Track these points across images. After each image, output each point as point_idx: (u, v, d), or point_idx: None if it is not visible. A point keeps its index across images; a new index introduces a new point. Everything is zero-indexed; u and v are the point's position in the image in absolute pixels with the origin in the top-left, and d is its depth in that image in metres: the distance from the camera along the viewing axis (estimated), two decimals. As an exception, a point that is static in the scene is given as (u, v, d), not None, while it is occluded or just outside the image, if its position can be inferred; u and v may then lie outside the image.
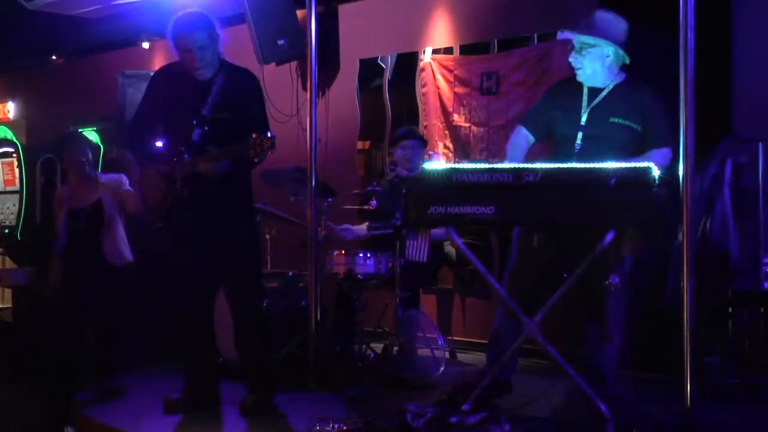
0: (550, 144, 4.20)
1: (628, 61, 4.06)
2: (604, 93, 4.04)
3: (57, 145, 5.53)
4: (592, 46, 4.00)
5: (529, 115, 4.28)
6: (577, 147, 3.95)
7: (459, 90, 6.26)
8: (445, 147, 6.31)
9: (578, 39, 4.03)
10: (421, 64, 6.50)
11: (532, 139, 4.16)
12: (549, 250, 3.96)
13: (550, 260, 3.98)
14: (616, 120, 3.99)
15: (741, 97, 4.91)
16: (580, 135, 3.97)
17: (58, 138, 5.88)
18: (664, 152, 3.95)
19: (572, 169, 3.58)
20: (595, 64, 4.01)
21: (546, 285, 3.94)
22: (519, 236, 4.13)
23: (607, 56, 4.02)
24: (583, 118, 4.00)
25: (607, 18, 4.04)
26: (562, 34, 5.71)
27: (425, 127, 6.45)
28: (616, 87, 4.05)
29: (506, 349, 3.93)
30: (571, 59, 4.07)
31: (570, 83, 4.18)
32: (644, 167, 3.47)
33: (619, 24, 4.03)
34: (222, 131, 4.01)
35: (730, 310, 4.49)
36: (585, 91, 4.06)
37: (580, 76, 4.06)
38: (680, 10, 3.62)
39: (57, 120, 8.36)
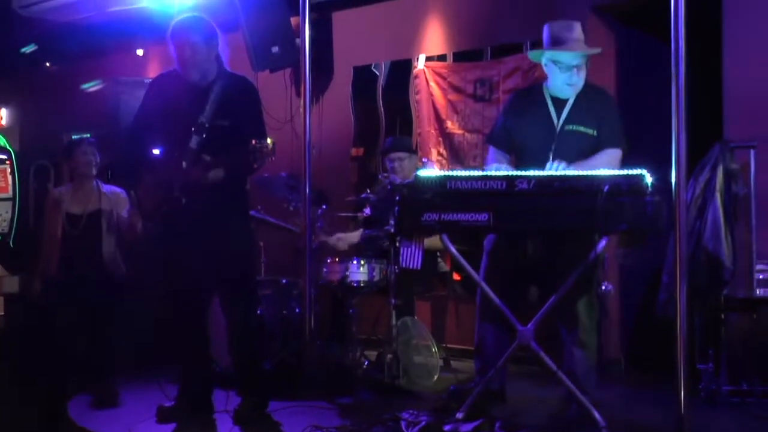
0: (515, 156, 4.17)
1: None
2: (570, 102, 4.02)
3: (63, 149, 5.48)
4: (583, 58, 3.99)
5: (495, 134, 4.23)
6: (551, 158, 3.91)
7: (452, 97, 6.27)
8: (439, 154, 6.31)
9: (576, 56, 3.97)
10: (414, 72, 6.51)
11: (507, 155, 4.14)
12: (540, 257, 3.96)
13: (545, 266, 3.97)
14: (572, 127, 3.98)
15: (732, 103, 4.92)
16: (553, 147, 3.95)
17: (66, 143, 5.84)
18: (613, 152, 3.96)
19: (565, 176, 3.59)
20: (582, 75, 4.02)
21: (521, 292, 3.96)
22: (489, 246, 4.09)
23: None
24: (557, 130, 3.99)
25: (578, 28, 4.04)
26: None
27: (419, 134, 6.46)
28: (578, 95, 4.05)
29: (491, 359, 3.93)
30: (568, 78, 3.98)
31: (530, 94, 4.15)
32: (637, 175, 3.49)
33: None
34: (220, 138, 4.00)
35: (722, 316, 4.50)
36: (549, 102, 4.04)
37: (569, 92, 4.02)
38: (671, 17, 3.64)
39: (50, 127, 8.34)
